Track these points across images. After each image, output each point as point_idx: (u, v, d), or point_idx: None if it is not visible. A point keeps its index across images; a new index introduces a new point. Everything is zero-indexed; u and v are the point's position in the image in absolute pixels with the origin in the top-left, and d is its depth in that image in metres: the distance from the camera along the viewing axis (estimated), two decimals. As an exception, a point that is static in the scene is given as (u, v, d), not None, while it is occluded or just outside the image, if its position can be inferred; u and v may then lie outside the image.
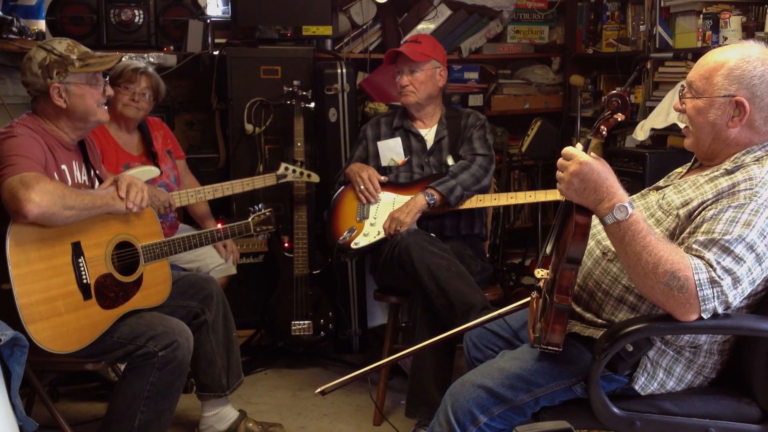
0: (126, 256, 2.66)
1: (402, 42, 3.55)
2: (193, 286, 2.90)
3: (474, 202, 3.33)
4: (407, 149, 3.50)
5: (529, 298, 2.18)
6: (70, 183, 2.61)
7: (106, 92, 2.67)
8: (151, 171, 3.32)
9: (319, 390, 2.34)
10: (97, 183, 2.76)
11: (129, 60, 3.44)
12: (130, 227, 2.66)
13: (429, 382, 2.98)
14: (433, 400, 2.90)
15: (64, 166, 2.61)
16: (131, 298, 2.63)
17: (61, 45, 2.61)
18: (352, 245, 3.31)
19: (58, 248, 2.44)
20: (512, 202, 3.46)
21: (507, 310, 2.34)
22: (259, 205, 3.06)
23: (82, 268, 2.49)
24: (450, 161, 3.45)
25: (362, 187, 3.39)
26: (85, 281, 2.49)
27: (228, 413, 3.00)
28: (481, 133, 3.46)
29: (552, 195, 3.28)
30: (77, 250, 2.48)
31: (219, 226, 3.03)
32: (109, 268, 2.57)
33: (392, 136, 3.53)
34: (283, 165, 3.56)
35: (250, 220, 3.00)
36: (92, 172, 2.76)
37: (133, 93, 3.28)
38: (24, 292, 2.33)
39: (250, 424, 3.03)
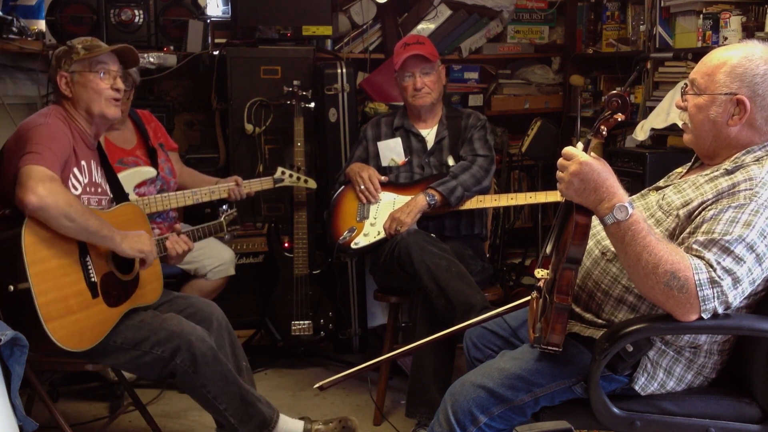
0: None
1: (403, 45, 3.52)
2: (192, 306, 2.80)
3: (474, 203, 3.33)
4: (407, 149, 3.50)
5: (528, 297, 2.18)
6: (87, 180, 2.62)
7: (115, 85, 2.63)
8: (147, 171, 3.32)
9: (317, 385, 2.35)
10: (108, 188, 2.76)
11: None
12: (126, 226, 2.63)
13: (429, 382, 2.98)
14: (433, 400, 2.90)
15: (83, 162, 2.61)
16: (131, 296, 2.62)
17: (78, 40, 2.65)
18: (352, 245, 3.31)
19: (67, 247, 2.43)
20: (512, 203, 3.46)
21: (506, 308, 2.34)
22: (225, 206, 3.06)
23: (89, 267, 2.48)
24: (451, 161, 3.45)
25: (362, 187, 3.39)
26: (92, 279, 2.48)
27: (293, 428, 2.78)
28: (482, 134, 3.46)
29: (552, 196, 3.28)
30: (83, 249, 2.48)
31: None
32: (110, 267, 2.57)
33: (392, 136, 3.53)
34: (279, 169, 3.55)
35: (222, 219, 2.96)
36: (107, 176, 2.77)
37: None
38: (41, 291, 2.32)
39: (319, 426, 2.84)
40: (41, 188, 2.30)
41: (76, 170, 2.56)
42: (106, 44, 2.70)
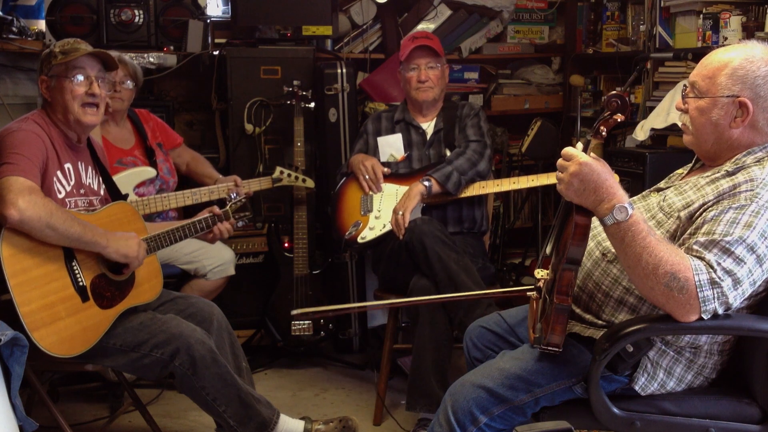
0: None
1: (411, 38, 3.53)
2: (192, 307, 2.80)
3: (477, 189, 3.33)
4: (408, 142, 3.52)
5: (526, 287, 2.18)
6: (74, 182, 2.59)
7: (90, 91, 2.56)
8: (146, 172, 3.32)
9: (294, 312, 2.43)
10: (101, 189, 2.74)
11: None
12: (117, 226, 2.62)
13: (428, 374, 2.99)
14: (432, 392, 2.91)
15: (68, 165, 2.58)
16: (127, 296, 2.61)
17: (60, 43, 2.61)
18: (359, 239, 3.32)
19: (51, 253, 2.41)
20: (515, 186, 3.45)
21: (506, 290, 2.35)
22: (234, 194, 3.05)
23: (76, 271, 2.46)
24: (449, 153, 3.46)
25: (366, 176, 3.40)
26: (81, 284, 2.47)
27: (293, 428, 2.77)
28: (475, 121, 3.48)
29: (554, 178, 3.27)
30: (69, 254, 2.46)
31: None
32: (101, 269, 2.55)
33: (393, 130, 3.55)
34: (278, 169, 3.56)
35: (228, 207, 2.91)
36: (101, 176, 2.74)
37: (113, 83, 3.19)
38: (24, 301, 2.31)
39: (319, 426, 2.84)
40: (21, 201, 2.30)
41: (59, 173, 2.54)
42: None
